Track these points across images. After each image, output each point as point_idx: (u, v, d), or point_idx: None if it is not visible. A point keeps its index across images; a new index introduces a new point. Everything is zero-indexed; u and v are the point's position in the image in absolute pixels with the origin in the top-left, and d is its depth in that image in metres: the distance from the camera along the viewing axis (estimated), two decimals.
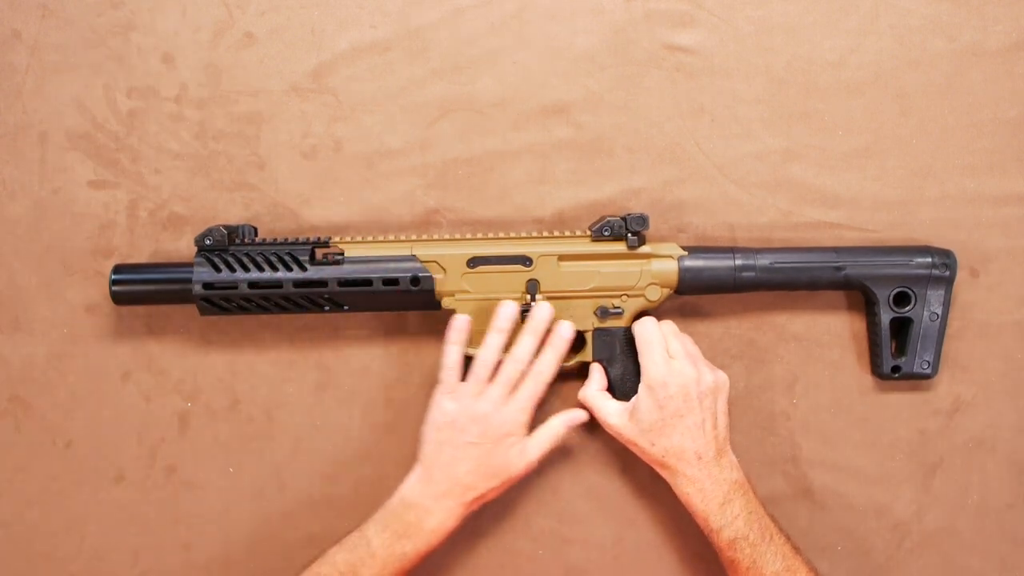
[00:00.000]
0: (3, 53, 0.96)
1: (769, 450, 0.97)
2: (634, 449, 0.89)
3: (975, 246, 0.96)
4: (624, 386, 0.91)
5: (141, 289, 0.91)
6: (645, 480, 0.96)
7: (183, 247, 0.96)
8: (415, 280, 0.90)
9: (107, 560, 0.97)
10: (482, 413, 0.86)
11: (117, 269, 0.91)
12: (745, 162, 0.97)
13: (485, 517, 0.95)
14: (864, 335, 0.97)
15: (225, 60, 0.97)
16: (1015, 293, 0.97)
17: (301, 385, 0.97)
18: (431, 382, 0.95)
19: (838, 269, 0.91)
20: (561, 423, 0.90)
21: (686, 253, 0.91)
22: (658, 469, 0.89)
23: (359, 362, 0.97)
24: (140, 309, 0.96)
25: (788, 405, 0.97)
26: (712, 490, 0.86)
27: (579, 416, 0.91)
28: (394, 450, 0.95)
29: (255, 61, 0.97)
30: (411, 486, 0.87)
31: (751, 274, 0.91)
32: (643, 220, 0.90)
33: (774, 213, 0.97)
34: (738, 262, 0.91)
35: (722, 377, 0.89)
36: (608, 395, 0.91)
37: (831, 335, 0.97)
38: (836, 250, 0.92)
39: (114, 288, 0.90)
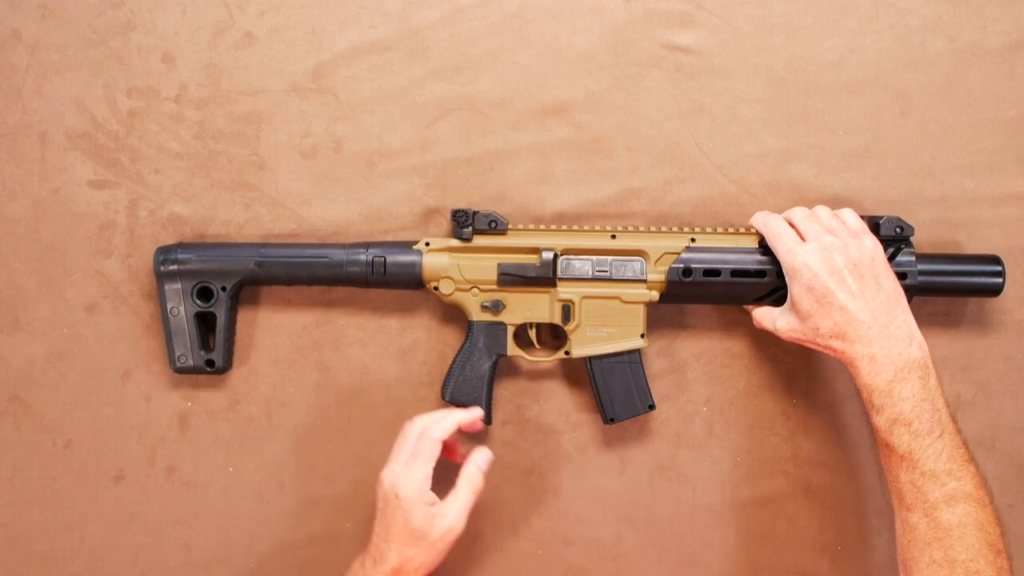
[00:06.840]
0: (3, 53, 0.97)
1: (769, 450, 0.97)
2: (811, 345, 0.86)
3: (975, 246, 0.96)
4: None
5: None
6: (645, 480, 0.96)
7: None
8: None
9: (107, 560, 0.97)
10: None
11: None
12: (745, 162, 0.97)
13: (485, 517, 0.95)
14: None
15: (225, 60, 0.97)
16: (1015, 293, 0.97)
17: (301, 385, 0.97)
18: (431, 382, 0.96)
19: None
20: (476, 469, 0.87)
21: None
22: (836, 356, 0.85)
23: (359, 362, 0.97)
24: (139, 309, 0.96)
25: (788, 405, 0.97)
26: (884, 364, 0.81)
27: (485, 457, 0.89)
28: None
29: (255, 61, 0.97)
30: (359, 560, 0.86)
31: None
32: None
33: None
34: None
35: (868, 244, 0.84)
36: (770, 307, 0.90)
37: None
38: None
39: None
